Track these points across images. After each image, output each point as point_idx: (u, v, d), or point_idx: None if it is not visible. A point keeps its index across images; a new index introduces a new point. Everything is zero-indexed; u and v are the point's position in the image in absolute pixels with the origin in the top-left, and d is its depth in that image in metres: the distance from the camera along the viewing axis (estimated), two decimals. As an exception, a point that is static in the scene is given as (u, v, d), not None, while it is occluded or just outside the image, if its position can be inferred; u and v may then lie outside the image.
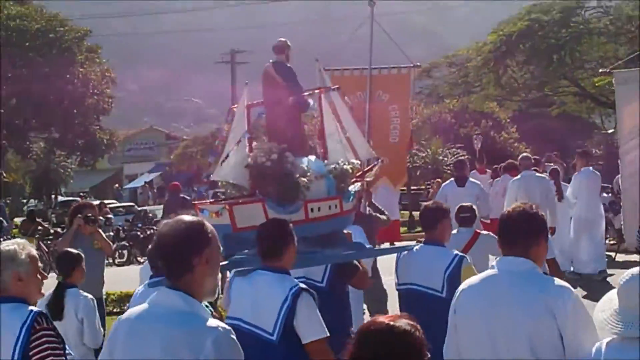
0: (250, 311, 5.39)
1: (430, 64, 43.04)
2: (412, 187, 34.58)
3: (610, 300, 3.90)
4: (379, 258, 9.45)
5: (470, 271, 6.27)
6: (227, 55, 70.34)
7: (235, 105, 7.18)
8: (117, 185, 64.32)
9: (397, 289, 7.04)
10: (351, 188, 6.94)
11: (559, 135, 42.87)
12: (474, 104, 41.55)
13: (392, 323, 3.14)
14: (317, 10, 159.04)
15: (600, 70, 18.37)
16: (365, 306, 9.88)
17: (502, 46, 35.12)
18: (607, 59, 33.57)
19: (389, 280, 10.12)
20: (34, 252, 4.86)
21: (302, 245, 5.74)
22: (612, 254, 18.63)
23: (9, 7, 42.52)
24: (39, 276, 4.84)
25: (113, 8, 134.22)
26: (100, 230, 10.52)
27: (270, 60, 7.30)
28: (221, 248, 3.80)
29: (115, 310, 14.15)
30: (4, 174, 44.46)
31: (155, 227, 27.29)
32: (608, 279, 15.41)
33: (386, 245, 14.54)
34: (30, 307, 4.69)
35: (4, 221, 23.59)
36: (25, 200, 53.37)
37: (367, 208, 10.56)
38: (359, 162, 7.23)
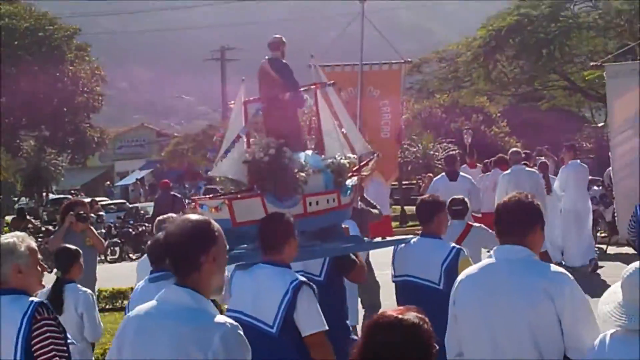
0: (251, 304, 5.44)
1: (421, 59, 43.09)
2: (404, 182, 34.62)
3: (614, 293, 3.93)
4: (371, 252, 9.49)
5: (467, 263, 6.31)
6: (217, 52, 70.33)
7: (233, 102, 7.20)
8: (108, 182, 64.23)
9: (394, 281, 7.08)
10: (348, 182, 6.99)
11: (550, 129, 42.91)
12: (464, 99, 41.60)
13: (400, 316, 3.18)
14: (307, 8, 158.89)
15: (591, 64, 18.46)
16: (358, 299, 9.93)
17: (491, 41, 35.19)
18: (597, 53, 33.68)
19: (381, 274, 10.19)
20: (34, 244, 4.89)
21: (301, 239, 5.78)
22: (604, 246, 18.71)
23: (-2, 6, 42.48)
24: (39, 268, 4.88)
25: (102, 6, 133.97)
26: (92, 228, 10.54)
27: (266, 57, 7.33)
28: (227, 246, 3.85)
29: (107, 307, 14.16)
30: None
31: (146, 224, 27.37)
32: (599, 271, 15.51)
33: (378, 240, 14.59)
34: (31, 298, 4.73)
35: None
36: (16, 199, 53.21)
37: (359, 202, 10.60)
38: (356, 157, 7.28)
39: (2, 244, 4.77)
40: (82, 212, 10.19)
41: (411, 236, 7.40)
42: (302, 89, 7.25)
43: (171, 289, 3.72)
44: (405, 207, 32.37)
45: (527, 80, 39.98)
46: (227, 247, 3.85)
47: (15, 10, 43.02)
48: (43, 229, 27.77)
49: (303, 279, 5.49)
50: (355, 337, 6.80)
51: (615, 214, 14.64)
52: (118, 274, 17.68)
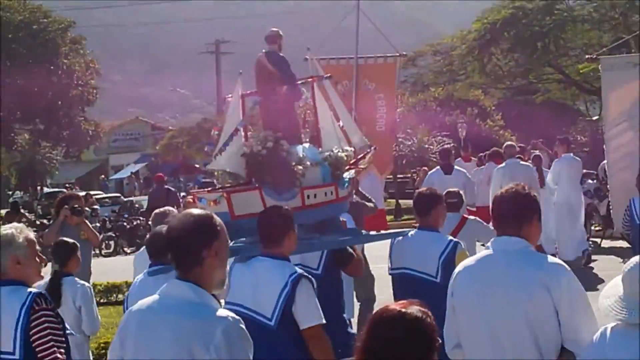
0: (249, 297, 5.47)
1: (415, 52, 43.05)
2: (398, 176, 34.65)
3: (615, 286, 3.93)
4: (366, 245, 9.51)
5: (464, 256, 6.31)
6: (211, 45, 70.27)
7: (230, 96, 7.21)
8: (102, 176, 64.22)
9: (390, 274, 7.08)
10: (346, 175, 7.01)
11: (544, 122, 42.91)
12: (459, 92, 41.62)
13: (404, 310, 3.19)
14: (302, 1, 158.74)
15: (587, 57, 18.44)
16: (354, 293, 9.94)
17: (486, 34, 35.17)
18: (591, 46, 33.64)
19: (375, 267, 10.19)
20: (32, 235, 4.91)
21: (300, 232, 5.82)
22: (598, 240, 18.76)
23: (-8, -1, 42.34)
24: (37, 259, 4.90)
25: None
26: (86, 221, 10.54)
27: (263, 50, 7.34)
28: (229, 241, 3.87)
29: (102, 301, 14.15)
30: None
31: (141, 218, 27.38)
32: (593, 265, 15.56)
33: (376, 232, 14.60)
34: (29, 289, 4.76)
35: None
36: (10, 192, 53.18)
37: (354, 196, 10.60)
38: (353, 150, 7.29)
39: (0, 236, 4.78)
40: (77, 205, 10.18)
41: (409, 229, 7.42)
42: (299, 82, 7.27)
43: (173, 283, 3.74)
44: (400, 201, 32.40)
45: (521, 74, 39.96)
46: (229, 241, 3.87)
47: (9, 3, 42.87)
48: (37, 222, 27.75)
49: (302, 272, 5.52)
50: (352, 331, 6.84)
51: (611, 207, 14.67)
52: (113, 267, 17.69)
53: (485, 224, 9.61)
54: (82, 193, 24.24)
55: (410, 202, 30.08)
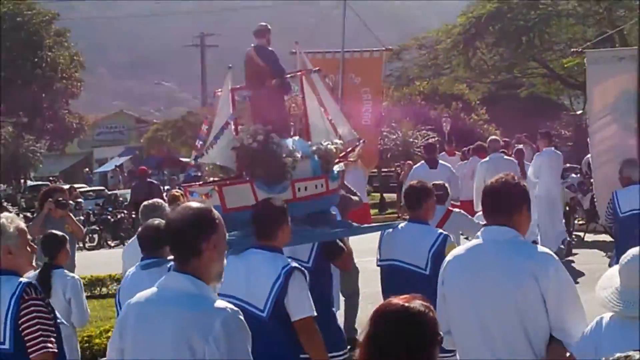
0: (242, 288, 5.51)
1: (400, 46, 43.10)
2: (383, 170, 34.69)
3: (611, 278, 3.99)
4: (350, 239, 9.55)
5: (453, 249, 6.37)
6: (196, 38, 70.12)
7: (219, 90, 7.23)
8: (87, 169, 63.97)
9: (379, 265, 7.12)
10: (335, 168, 7.04)
11: (528, 116, 43.08)
12: (443, 86, 41.72)
13: (407, 304, 3.22)
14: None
15: (572, 50, 18.53)
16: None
17: (471, 28, 35.28)
18: (576, 40, 33.79)
19: (360, 261, 10.23)
20: (23, 225, 4.90)
21: (291, 224, 5.84)
22: (581, 234, 18.85)
23: (-25, -9, 42.12)
24: (28, 249, 4.90)
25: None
26: (71, 215, 10.51)
27: (252, 45, 7.38)
28: (227, 233, 3.91)
29: (86, 294, 14.06)
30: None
31: (125, 212, 27.33)
32: (575, 258, 15.65)
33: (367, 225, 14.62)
34: (20, 279, 4.75)
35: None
36: (-7, 185, 52.94)
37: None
38: (342, 143, 7.32)
39: None
40: (61, 198, 10.15)
41: (399, 221, 7.44)
42: (288, 76, 7.31)
43: (172, 276, 3.78)
44: (385, 195, 32.44)
45: (506, 68, 40.12)
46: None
47: (-8, -5, 42.71)
48: (21, 215, 27.49)
49: (295, 264, 5.57)
50: (340, 325, 6.88)
51: (595, 200, 14.74)
52: (97, 261, 17.62)
53: (469, 216, 9.65)
54: (66, 186, 24.16)
55: (394, 196, 30.19)
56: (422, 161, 14.77)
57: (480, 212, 5.19)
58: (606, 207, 10.44)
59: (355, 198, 10.49)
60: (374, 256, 7.26)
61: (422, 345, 3.17)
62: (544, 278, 4.34)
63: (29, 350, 4.62)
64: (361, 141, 7.83)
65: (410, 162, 25.24)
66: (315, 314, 5.47)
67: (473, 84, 44.22)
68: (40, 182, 48.45)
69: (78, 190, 32.56)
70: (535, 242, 14.28)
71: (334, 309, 6.78)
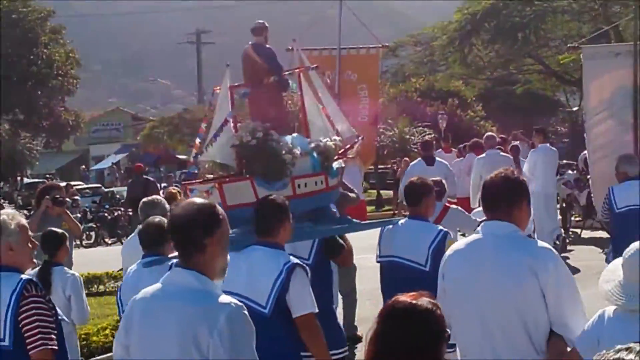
0: (244, 285, 5.52)
1: (396, 43, 43.11)
2: (379, 166, 34.69)
3: (614, 271, 4.02)
4: (348, 235, 9.57)
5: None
6: (192, 35, 70.07)
7: (218, 87, 7.24)
8: (83, 166, 63.87)
9: (379, 261, 7.15)
10: (335, 165, 7.06)
11: (524, 113, 43.14)
12: (439, 83, 41.72)
13: (414, 302, 3.24)
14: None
15: (568, 45, 18.53)
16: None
17: (467, 25, 35.27)
18: (571, 36, 33.80)
19: (356, 258, 10.25)
20: (24, 221, 4.91)
21: (292, 221, 5.85)
22: (578, 230, 18.88)
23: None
24: (29, 245, 4.90)
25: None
26: (68, 212, 10.51)
27: (250, 42, 7.40)
28: (230, 230, 3.93)
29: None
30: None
31: (122, 209, 27.31)
32: (572, 254, 15.67)
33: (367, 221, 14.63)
34: (21, 276, 4.76)
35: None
36: (-10, 183, 52.85)
37: (337, 186, 10.64)
38: (341, 139, 7.34)
39: None
40: (58, 195, 10.16)
41: (399, 217, 7.47)
42: (286, 73, 7.34)
43: (176, 271, 3.81)
44: (382, 192, 32.44)
45: (502, 64, 40.13)
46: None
47: (-13, -8, 42.62)
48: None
49: (296, 261, 5.59)
50: (339, 322, 6.90)
51: (592, 196, 14.78)
52: (94, 258, 17.66)
53: (466, 213, 9.67)
54: (63, 183, 24.12)
55: (391, 192, 30.15)
56: (419, 158, 14.79)
57: (478, 209, 5.22)
58: (602, 203, 10.47)
59: (352, 195, 10.54)
60: (371, 253, 7.28)
61: (429, 343, 3.19)
62: (543, 273, 4.36)
63: (28, 347, 4.63)
64: (360, 138, 7.85)
65: (407, 158, 25.27)
66: (317, 310, 5.48)
67: (469, 80, 44.23)
68: (36, 180, 48.39)
69: (75, 187, 32.46)
70: (530, 237, 14.36)
71: (334, 306, 6.80)
